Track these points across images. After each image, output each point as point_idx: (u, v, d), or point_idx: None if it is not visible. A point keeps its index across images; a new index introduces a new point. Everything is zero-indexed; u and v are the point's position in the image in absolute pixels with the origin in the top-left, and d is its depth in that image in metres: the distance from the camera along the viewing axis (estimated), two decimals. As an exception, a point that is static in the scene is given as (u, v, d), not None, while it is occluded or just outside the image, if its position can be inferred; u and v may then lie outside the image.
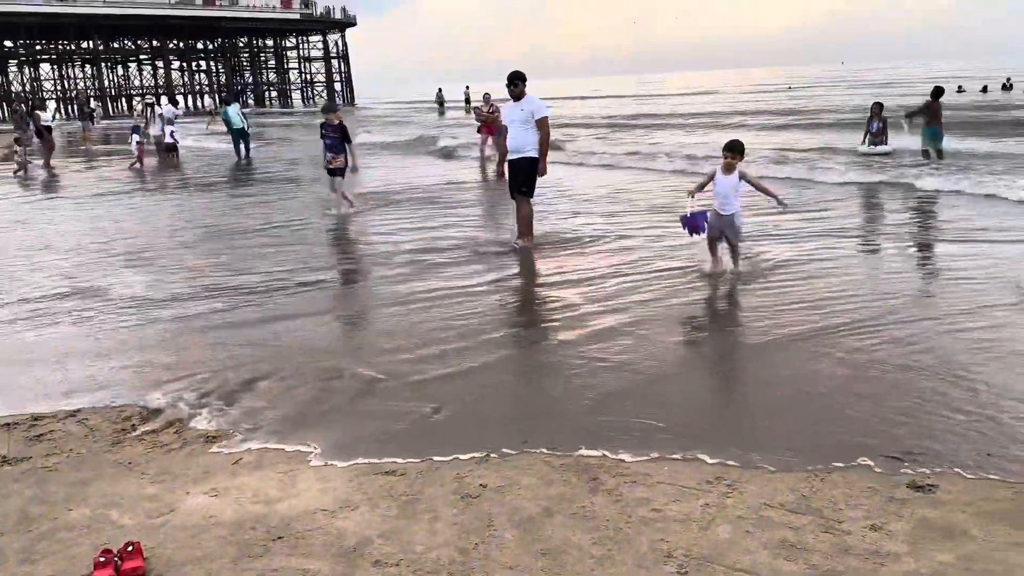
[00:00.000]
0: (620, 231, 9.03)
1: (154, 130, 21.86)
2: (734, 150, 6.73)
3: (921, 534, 2.95)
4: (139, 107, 22.09)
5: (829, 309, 5.71)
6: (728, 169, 6.75)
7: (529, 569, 2.77)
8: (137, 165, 19.82)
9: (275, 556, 2.96)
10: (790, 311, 5.71)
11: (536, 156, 8.35)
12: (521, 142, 8.37)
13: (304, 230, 10.23)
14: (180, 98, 31.87)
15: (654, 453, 3.67)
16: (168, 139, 21.47)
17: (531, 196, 8.58)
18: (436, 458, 3.72)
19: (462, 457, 3.73)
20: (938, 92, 14.49)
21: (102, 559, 2.87)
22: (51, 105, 51.80)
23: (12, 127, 29.30)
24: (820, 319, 5.49)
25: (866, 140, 15.80)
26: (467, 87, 24.52)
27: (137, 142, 20.37)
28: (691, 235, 7.06)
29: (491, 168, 16.68)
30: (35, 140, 23.19)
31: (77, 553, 3.03)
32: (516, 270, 7.57)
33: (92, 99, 55.38)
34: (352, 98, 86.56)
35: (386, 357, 5.14)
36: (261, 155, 22.17)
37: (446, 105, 47.36)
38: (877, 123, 15.57)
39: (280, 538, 3.09)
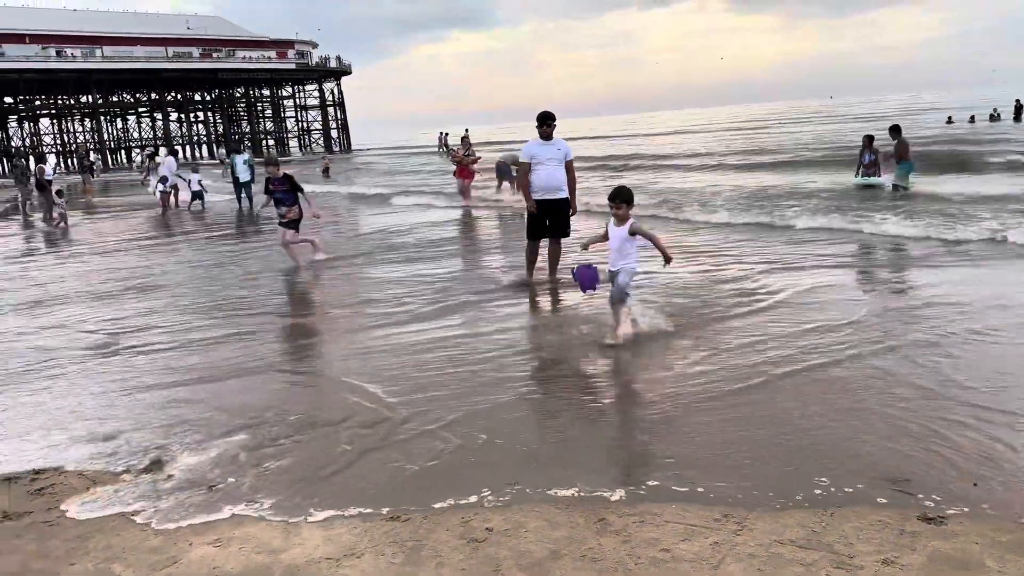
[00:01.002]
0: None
1: (152, 180, 22.10)
2: (618, 199, 6.04)
3: (935, 568, 2.91)
4: (138, 159, 22.37)
5: (805, 344, 5.72)
6: (619, 221, 6.10)
7: (538, 614, 2.73)
8: (159, 212, 20.33)
9: (280, 607, 2.92)
10: (777, 346, 5.71)
11: (567, 197, 8.46)
12: (559, 181, 8.38)
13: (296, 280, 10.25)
14: (178, 148, 32.24)
15: (660, 492, 3.64)
16: (195, 186, 21.95)
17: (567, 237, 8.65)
18: (440, 503, 3.69)
19: (466, 501, 3.69)
20: (896, 129, 14.97)
21: (104, 615, 2.82)
22: (51, 159, 52.29)
23: (13, 182, 29.50)
24: (800, 354, 5.49)
25: (859, 172, 15.99)
26: (443, 133, 25.15)
27: (162, 191, 20.78)
28: (584, 291, 6.45)
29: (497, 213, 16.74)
30: (35, 194, 23.36)
31: (79, 609, 2.98)
32: (526, 309, 7.57)
33: (92, 152, 55.91)
34: (349, 144, 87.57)
35: (386, 402, 5.12)
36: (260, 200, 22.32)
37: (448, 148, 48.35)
38: (869, 155, 15.77)
39: (285, 588, 3.04)
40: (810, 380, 5.00)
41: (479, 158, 20.32)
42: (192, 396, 5.55)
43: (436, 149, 19.07)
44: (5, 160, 66.92)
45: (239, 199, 21.53)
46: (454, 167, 19.34)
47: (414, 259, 11.02)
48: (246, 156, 22.17)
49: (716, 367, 5.36)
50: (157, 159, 22.61)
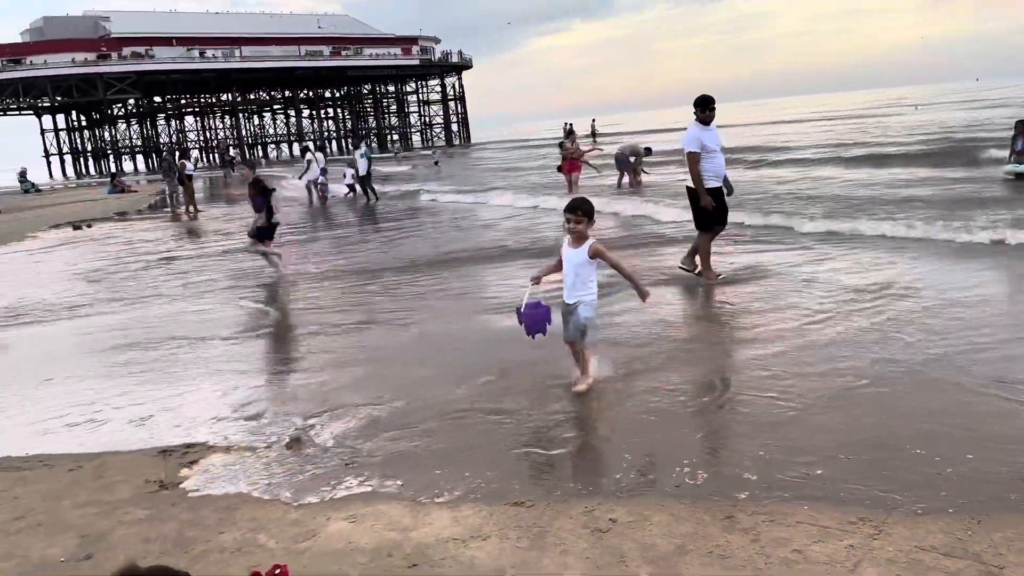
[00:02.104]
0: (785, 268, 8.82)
1: (307, 176, 23.10)
2: (576, 211, 4.89)
3: (1098, 586, 2.70)
4: (307, 155, 23.56)
5: (951, 339, 5.37)
6: (576, 240, 4.98)
7: (665, 606, 2.72)
8: (318, 202, 21.46)
9: (411, 584, 3.03)
10: (914, 340, 5.41)
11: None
12: (724, 168, 8.12)
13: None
14: (309, 143, 33.88)
15: (790, 491, 3.54)
16: (348, 180, 23.05)
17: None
18: (564, 492, 3.73)
19: (589, 491, 3.71)
20: None
21: (252, 580, 3.02)
22: (193, 154, 55.76)
23: (161, 176, 31.74)
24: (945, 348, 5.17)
25: (1011, 158, 14.90)
26: (567, 124, 24.86)
27: (322, 182, 22.04)
28: (530, 335, 5.12)
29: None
30: (179, 187, 25.10)
31: (229, 574, 3.20)
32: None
33: (231, 147, 59.33)
34: (468, 137, 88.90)
35: (508, 395, 5.21)
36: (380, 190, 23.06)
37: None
38: (1022, 142, 14.64)
39: (415, 565, 3.16)
40: (953, 378, 4.71)
41: (589, 151, 20.05)
42: (333, 378, 5.83)
43: (558, 142, 18.87)
44: (155, 156, 71.98)
45: (365, 191, 22.38)
46: (560, 161, 18.95)
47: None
48: (363, 150, 23.02)
49: (844, 362, 5.14)
50: (308, 156, 23.76)
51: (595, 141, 38.30)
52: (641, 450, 4.14)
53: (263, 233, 10.38)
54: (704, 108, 7.94)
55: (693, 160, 7.91)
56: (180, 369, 6.50)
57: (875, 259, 8.48)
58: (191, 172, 24.65)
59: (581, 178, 18.68)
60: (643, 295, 5.02)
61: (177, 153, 34.31)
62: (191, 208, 23.20)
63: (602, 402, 4.90)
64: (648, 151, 20.26)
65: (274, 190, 10.71)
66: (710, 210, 7.99)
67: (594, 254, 4.90)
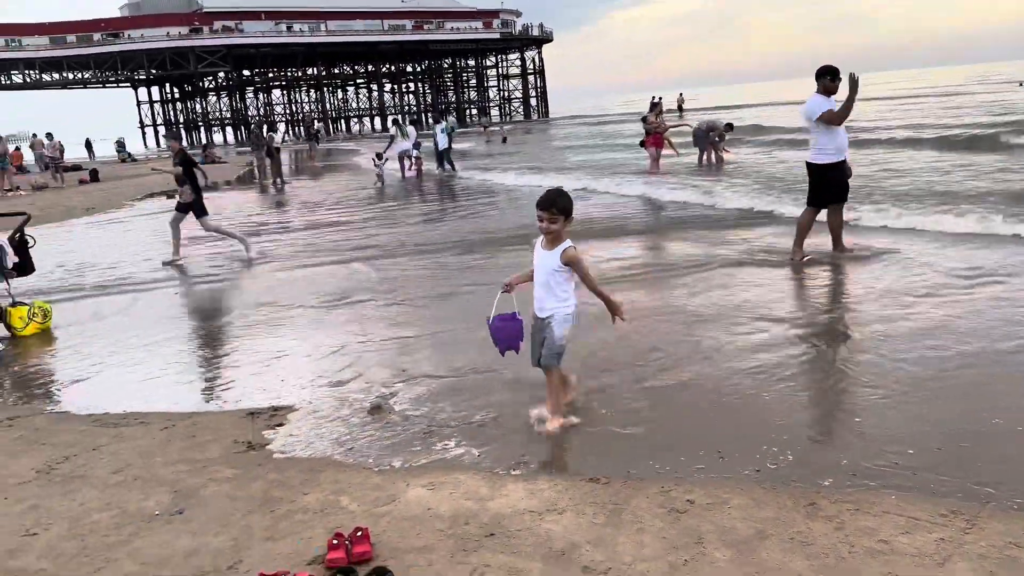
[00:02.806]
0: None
1: (394, 149, 23.34)
2: (547, 206, 4.12)
3: None
4: (392, 129, 23.67)
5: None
6: (550, 241, 4.23)
7: (743, 590, 2.68)
8: (412, 175, 21.75)
9: (488, 552, 3.07)
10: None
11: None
12: (847, 144, 7.86)
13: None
14: (398, 117, 34.13)
15: (878, 480, 3.43)
16: (443, 145, 23.22)
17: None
18: (641, 470, 3.71)
19: (666, 471, 3.68)
20: None
21: (335, 542, 3.12)
22: (281, 127, 57.16)
23: (250, 148, 32.66)
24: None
25: None
26: (655, 97, 23.89)
27: (415, 156, 22.36)
28: (501, 351, 4.52)
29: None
30: (267, 160, 25.80)
31: (312, 535, 3.31)
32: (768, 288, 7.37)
33: (316, 121, 60.62)
34: (547, 111, 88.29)
35: (586, 372, 5.20)
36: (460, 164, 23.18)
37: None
38: None
39: (492, 535, 3.20)
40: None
41: (673, 125, 19.53)
42: (414, 348, 5.94)
43: (641, 117, 18.24)
44: (243, 128, 74.11)
45: (441, 164, 22.57)
46: (643, 136, 18.46)
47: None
48: (443, 124, 23.12)
49: (943, 351, 4.93)
50: (393, 129, 23.98)
51: (681, 116, 37.40)
52: (722, 432, 4.08)
53: (185, 209, 10.15)
54: (829, 78, 7.68)
55: (837, 116, 7.55)
56: (268, 335, 6.72)
57: (974, 248, 8.08)
58: (278, 145, 25.32)
59: (664, 154, 18.31)
60: (617, 313, 4.26)
61: (265, 126, 35.19)
62: (278, 180, 23.85)
63: (682, 382, 4.83)
64: (729, 127, 19.47)
65: (197, 164, 10.72)
66: (836, 179, 7.74)
67: (567, 260, 4.14)
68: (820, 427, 4.10)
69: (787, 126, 26.37)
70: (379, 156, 22.52)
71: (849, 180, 7.93)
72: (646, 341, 5.68)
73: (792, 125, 26.64)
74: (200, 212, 10.48)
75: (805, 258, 7.88)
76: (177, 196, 10.18)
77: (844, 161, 7.76)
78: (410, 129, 24.04)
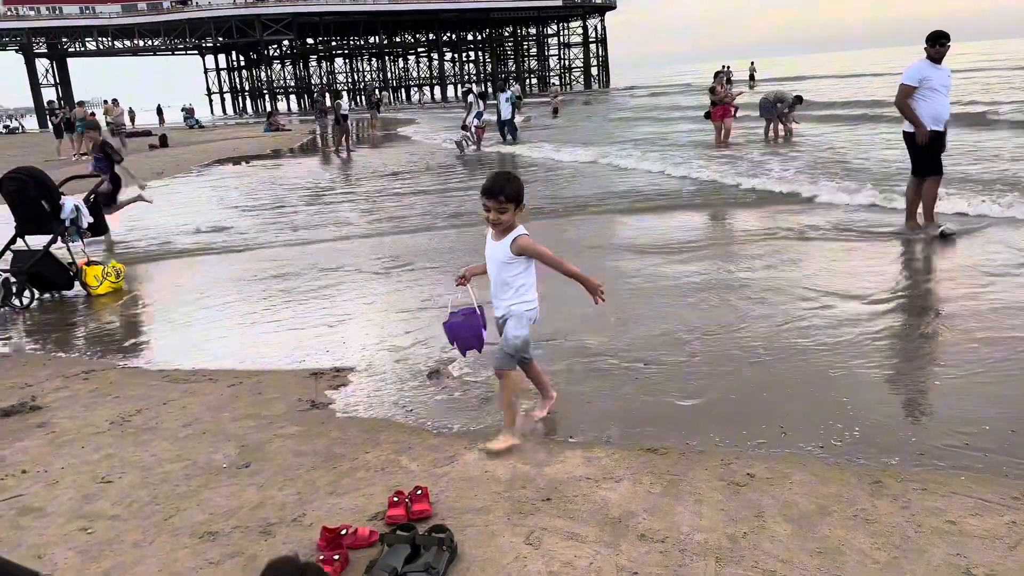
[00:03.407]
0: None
1: (468, 117, 23.31)
2: (495, 194, 3.62)
3: None
4: (470, 98, 23.44)
5: None
6: (498, 232, 3.77)
7: (804, 566, 2.64)
8: (474, 147, 21.69)
9: (544, 516, 3.09)
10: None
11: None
12: (948, 113, 7.55)
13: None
14: (473, 85, 33.95)
15: (947, 461, 3.33)
16: (506, 116, 23.04)
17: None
18: (699, 442, 3.68)
19: (727, 444, 3.64)
20: None
21: (395, 499, 3.18)
22: (344, 96, 57.74)
23: (314, 116, 33.06)
24: None
25: None
26: (724, 67, 22.56)
27: (476, 126, 22.37)
28: (462, 352, 4.21)
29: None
30: (330, 127, 26.09)
31: (373, 491, 3.38)
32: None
33: (378, 89, 60.96)
34: (608, 81, 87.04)
35: (646, 342, 5.17)
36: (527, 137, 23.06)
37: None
38: None
39: (548, 499, 3.22)
40: None
41: (740, 93, 18.87)
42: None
43: (708, 88, 17.50)
44: (307, 96, 75.06)
45: (503, 135, 22.47)
46: (709, 106, 17.90)
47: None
48: (508, 94, 22.92)
49: (1019, 329, 4.75)
50: (470, 98, 23.85)
51: (752, 87, 36.18)
52: (785, 408, 4.01)
53: (104, 201, 9.33)
54: (935, 43, 7.42)
55: (902, 92, 7.41)
56: (331, 299, 6.85)
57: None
58: (346, 112, 25.46)
59: (733, 126, 17.80)
60: (594, 290, 3.80)
61: (328, 95, 35.57)
62: (345, 148, 24.08)
63: (746, 355, 4.76)
64: (799, 99, 18.73)
65: (120, 161, 10.34)
66: (927, 147, 7.47)
67: (519, 250, 3.68)
68: (888, 405, 4.00)
69: (864, 99, 25.36)
70: (464, 126, 22.62)
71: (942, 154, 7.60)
72: (709, 313, 5.62)
73: (870, 97, 25.70)
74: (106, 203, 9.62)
75: (918, 230, 7.68)
76: (96, 186, 8.69)
77: (940, 132, 7.45)
78: (471, 98, 23.92)
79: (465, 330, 4.00)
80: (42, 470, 3.81)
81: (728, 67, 22.80)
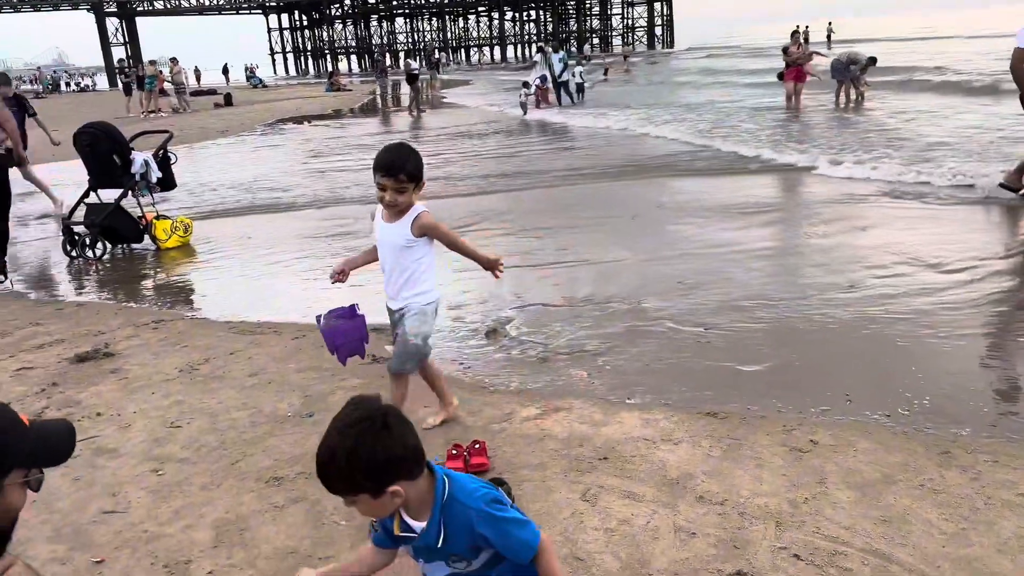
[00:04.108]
0: None
1: (533, 75, 23.02)
2: (393, 171, 3.17)
3: None
4: (537, 56, 23.09)
5: None
6: (393, 213, 3.29)
7: (867, 533, 2.59)
8: (543, 106, 21.55)
9: (601, 474, 3.10)
10: None
11: None
12: None
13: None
14: (542, 44, 33.21)
15: (1020, 434, 3.22)
16: (578, 79, 22.80)
17: None
18: (761, 407, 3.62)
19: (789, 410, 3.58)
20: None
21: (454, 452, 3.22)
22: (402, 56, 57.59)
23: (374, 76, 33.13)
24: None
25: None
26: (800, 27, 21.36)
27: (538, 86, 22.21)
28: (341, 359, 3.60)
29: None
30: (390, 86, 26.10)
31: (432, 444, 3.42)
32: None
33: (437, 49, 60.73)
34: (672, 42, 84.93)
35: (706, 307, 5.09)
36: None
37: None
38: None
39: (605, 459, 3.22)
40: None
41: (815, 53, 17.88)
42: (530, 276, 5.99)
43: (782, 48, 16.65)
44: (367, 56, 75.29)
45: (559, 97, 22.13)
46: (782, 68, 17.17)
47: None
48: (561, 54, 22.48)
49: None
50: (538, 56, 23.44)
51: (830, 48, 34.64)
52: (851, 375, 3.92)
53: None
54: None
55: (1017, 56, 6.94)
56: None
57: None
58: (417, 71, 25.33)
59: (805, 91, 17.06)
60: (493, 268, 3.50)
61: (388, 54, 35.61)
62: (416, 108, 24.03)
63: (812, 321, 4.66)
64: (872, 61, 17.81)
65: (35, 115, 9.95)
66: None
67: (422, 230, 3.24)
68: (959, 376, 3.86)
69: (948, 64, 24.11)
70: (526, 84, 22.39)
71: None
72: (772, 280, 5.51)
73: (954, 63, 24.42)
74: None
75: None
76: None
77: None
78: (537, 57, 23.53)
79: (345, 335, 3.47)
80: (115, 413, 3.97)
81: (805, 26, 21.82)
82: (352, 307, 3.54)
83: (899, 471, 2.98)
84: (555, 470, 3.15)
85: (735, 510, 2.78)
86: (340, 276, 3.48)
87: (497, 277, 3.54)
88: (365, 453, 1.67)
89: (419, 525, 1.77)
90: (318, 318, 3.50)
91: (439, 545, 1.78)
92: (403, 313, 3.38)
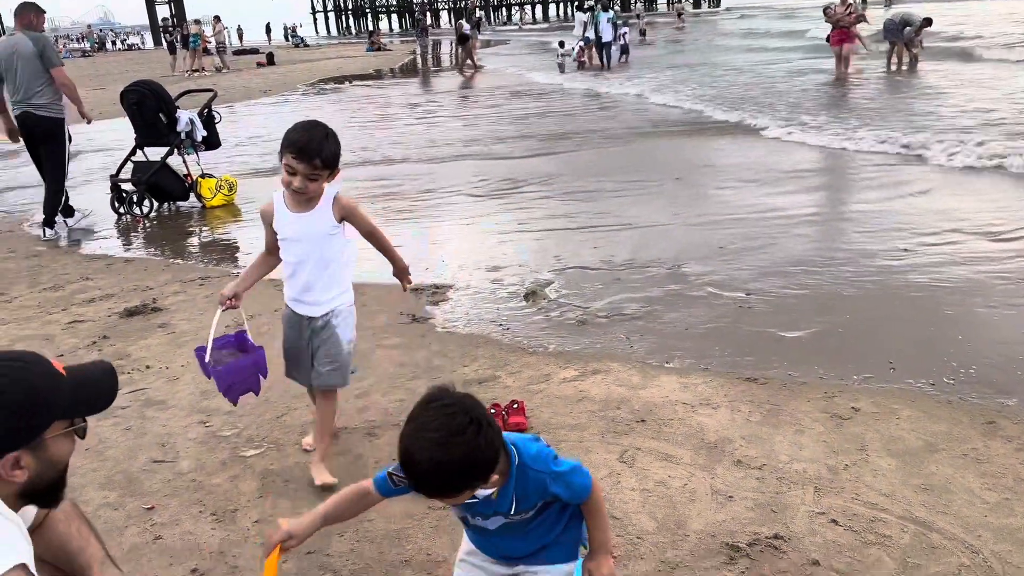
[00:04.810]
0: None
1: (577, 34, 22.58)
2: (308, 154, 2.66)
3: None
4: (584, 16, 22.50)
5: None
6: (303, 200, 2.79)
7: (908, 501, 2.58)
8: (586, 66, 21.39)
9: (638, 437, 3.11)
10: None
11: None
12: None
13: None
14: (552, 7, 32.42)
15: (1071, 406, 3.16)
16: (622, 41, 22.38)
17: None
18: (802, 374, 3.59)
19: (831, 376, 3.55)
20: None
21: (492, 411, 3.25)
22: (443, 16, 57.05)
23: (414, 36, 32.92)
24: None
25: None
26: None
27: (581, 46, 21.90)
28: (230, 398, 2.99)
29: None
30: (429, 45, 25.89)
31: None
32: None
33: (478, 8, 60.04)
34: (718, 1, 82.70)
35: (748, 273, 5.04)
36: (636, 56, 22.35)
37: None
38: None
39: (643, 421, 3.23)
40: None
41: (860, 16, 16.95)
42: (570, 240, 5.98)
43: (823, 6, 15.84)
44: (408, 16, 74.73)
45: (601, 59, 21.70)
46: (829, 30, 16.38)
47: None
48: (610, 15, 21.93)
49: None
50: (584, 17, 22.84)
51: (888, 7, 33.17)
52: (895, 343, 3.86)
53: None
54: None
55: None
56: (432, 218, 6.96)
57: None
58: (468, 32, 25.08)
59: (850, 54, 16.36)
60: (403, 275, 3.10)
61: (428, 13, 35.30)
62: (471, 66, 23.76)
63: (856, 288, 4.59)
64: (927, 22, 16.93)
65: None
66: None
67: (344, 213, 2.78)
68: (1008, 345, 3.78)
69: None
70: (562, 44, 22.07)
71: None
72: (817, 245, 5.42)
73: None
74: None
75: None
76: None
77: None
78: (584, 17, 22.98)
79: (240, 372, 2.92)
80: (164, 367, 4.08)
81: None
82: (240, 334, 3.01)
83: (942, 440, 2.95)
84: (593, 431, 3.17)
85: (773, 475, 2.78)
86: (233, 302, 2.90)
87: (404, 290, 3.18)
88: (480, 457, 1.62)
89: (483, 492, 1.73)
90: (199, 352, 2.89)
91: (512, 512, 1.78)
92: (328, 319, 2.85)
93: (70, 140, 7.06)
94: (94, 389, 1.61)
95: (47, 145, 6.93)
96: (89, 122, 7.65)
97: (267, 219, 2.85)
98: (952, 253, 5.07)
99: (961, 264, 4.86)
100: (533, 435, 1.92)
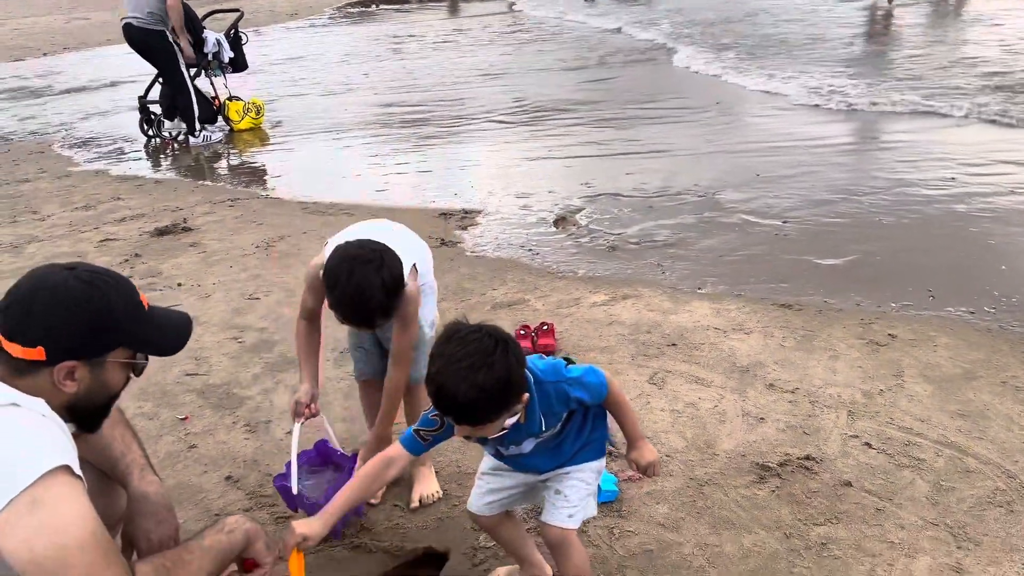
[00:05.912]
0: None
1: None
2: (362, 324, 2.18)
3: None
4: None
5: None
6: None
7: (944, 426, 2.54)
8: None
9: (669, 360, 3.09)
10: None
11: None
12: None
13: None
14: None
15: (1117, 337, 3.07)
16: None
17: None
18: (838, 300, 3.53)
19: (868, 303, 3.48)
20: None
21: (522, 332, 3.24)
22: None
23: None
24: None
25: None
26: None
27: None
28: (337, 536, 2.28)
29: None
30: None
31: (500, 324, 3.43)
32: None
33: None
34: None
35: (781, 201, 4.92)
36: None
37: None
38: None
39: (674, 345, 3.20)
40: None
41: None
42: (599, 166, 5.87)
43: None
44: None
45: None
46: None
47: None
48: None
49: None
50: None
51: None
52: (935, 271, 3.77)
53: None
54: None
55: None
56: (461, 144, 6.86)
57: None
58: None
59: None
60: None
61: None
62: None
63: (896, 216, 4.47)
64: None
65: None
66: None
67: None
68: (1051, 277, 3.68)
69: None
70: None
71: None
72: (857, 174, 5.28)
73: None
74: None
75: None
76: None
77: None
78: None
79: (306, 496, 2.25)
80: (196, 284, 4.10)
81: None
82: (322, 444, 2.42)
83: (980, 367, 2.89)
84: (622, 354, 3.15)
85: (806, 398, 2.75)
86: (313, 407, 2.32)
87: None
88: (515, 373, 1.59)
89: (511, 420, 1.69)
90: (279, 483, 2.27)
91: (543, 429, 1.76)
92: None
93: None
94: (168, 333, 1.58)
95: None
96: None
97: (315, 284, 2.21)
98: (998, 184, 4.90)
99: (1007, 194, 4.70)
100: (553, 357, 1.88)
